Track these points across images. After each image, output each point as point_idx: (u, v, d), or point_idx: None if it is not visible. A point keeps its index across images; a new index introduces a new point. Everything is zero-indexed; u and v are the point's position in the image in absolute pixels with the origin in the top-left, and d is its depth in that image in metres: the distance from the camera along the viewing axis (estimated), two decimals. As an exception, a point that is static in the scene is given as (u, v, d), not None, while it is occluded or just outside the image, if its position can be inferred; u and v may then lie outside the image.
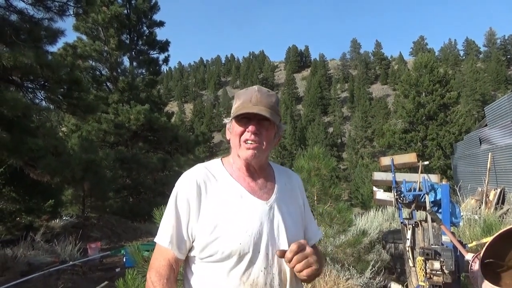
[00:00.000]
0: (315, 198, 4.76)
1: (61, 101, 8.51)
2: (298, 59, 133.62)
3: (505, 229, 2.08)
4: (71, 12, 8.41)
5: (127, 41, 18.84)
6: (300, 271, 1.15)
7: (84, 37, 17.25)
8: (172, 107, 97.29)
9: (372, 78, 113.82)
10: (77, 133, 15.08)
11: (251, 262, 1.18)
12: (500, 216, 8.75)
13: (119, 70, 18.46)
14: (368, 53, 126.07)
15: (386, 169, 5.15)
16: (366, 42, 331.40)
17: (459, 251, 2.58)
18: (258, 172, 1.32)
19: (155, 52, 19.90)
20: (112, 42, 17.03)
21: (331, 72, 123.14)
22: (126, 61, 19.24)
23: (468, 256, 2.51)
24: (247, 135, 1.23)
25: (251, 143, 1.23)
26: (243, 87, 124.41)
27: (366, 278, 4.97)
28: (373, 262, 5.16)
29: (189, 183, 1.23)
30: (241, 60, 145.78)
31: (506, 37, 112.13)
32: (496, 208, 10.03)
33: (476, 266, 2.27)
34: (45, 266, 7.03)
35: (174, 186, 1.29)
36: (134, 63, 19.27)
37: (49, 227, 10.39)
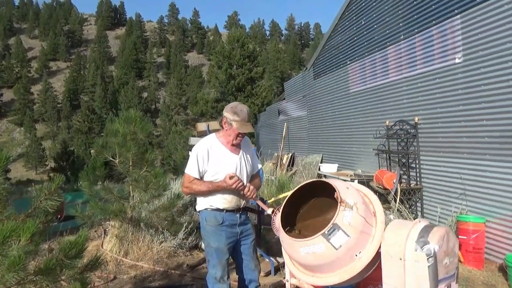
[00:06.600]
0: (131, 164, 4.57)
1: None
2: (112, 15, 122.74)
3: (299, 186, 2.45)
4: None
5: None
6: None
7: None
8: None
9: (189, 46, 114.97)
10: None
11: None
12: (290, 176, 10.43)
13: None
14: (186, 20, 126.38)
15: (202, 134, 5.37)
16: (185, 8, 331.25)
17: (261, 207, 2.93)
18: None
19: None
20: None
21: (148, 34, 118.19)
22: None
23: (269, 211, 2.88)
24: (239, 136, 2.80)
25: (239, 139, 2.83)
26: (43, 38, 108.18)
27: (179, 239, 5.17)
28: (186, 223, 5.38)
29: (203, 146, 2.78)
30: (41, 6, 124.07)
31: (302, 24, 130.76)
32: (288, 170, 11.88)
33: (276, 219, 2.63)
34: None
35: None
36: None
37: None
